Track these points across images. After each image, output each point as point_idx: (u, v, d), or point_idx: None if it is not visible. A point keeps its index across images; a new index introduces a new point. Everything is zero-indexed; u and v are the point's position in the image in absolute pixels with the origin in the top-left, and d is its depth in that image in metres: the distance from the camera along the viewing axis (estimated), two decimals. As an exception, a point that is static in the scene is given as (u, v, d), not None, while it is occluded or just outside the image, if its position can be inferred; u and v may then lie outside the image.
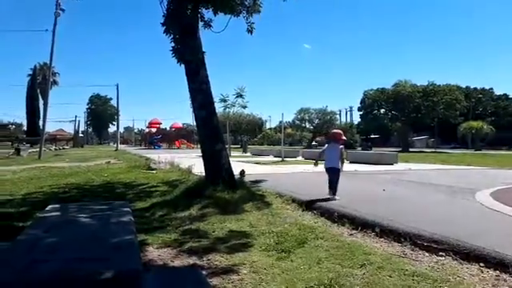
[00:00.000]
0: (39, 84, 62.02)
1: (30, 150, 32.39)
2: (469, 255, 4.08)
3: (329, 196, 7.35)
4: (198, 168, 10.55)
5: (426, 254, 4.30)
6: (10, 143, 50.38)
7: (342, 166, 7.64)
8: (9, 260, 2.70)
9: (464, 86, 56.82)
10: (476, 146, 49.61)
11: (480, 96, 61.18)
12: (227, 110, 25.26)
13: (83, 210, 4.30)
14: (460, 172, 15.12)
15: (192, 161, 14.42)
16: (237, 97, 23.16)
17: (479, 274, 3.70)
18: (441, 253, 4.27)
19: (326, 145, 8.10)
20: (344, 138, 7.95)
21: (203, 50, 8.74)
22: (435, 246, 4.44)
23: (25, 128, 68.31)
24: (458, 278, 3.54)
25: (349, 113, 74.10)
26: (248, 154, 33.52)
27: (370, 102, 51.11)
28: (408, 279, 3.46)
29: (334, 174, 7.52)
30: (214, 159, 8.47)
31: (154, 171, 13.90)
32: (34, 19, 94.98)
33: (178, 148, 52.64)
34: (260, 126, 72.06)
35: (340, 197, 7.26)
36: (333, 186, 7.44)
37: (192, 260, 4.08)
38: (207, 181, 8.23)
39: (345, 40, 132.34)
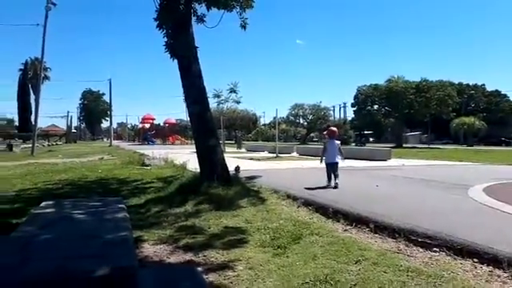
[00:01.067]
0: (30, 79, 61.43)
1: (22, 146, 32.15)
2: (462, 251, 4.12)
3: (332, 185, 8.40)
4: (193, 164, 10.53)
5: (420, 250, 4.34)
6: (2, 139, 49.95)
7: (342, 158, 8.88)
8: (3, 257, 2.67)
9: (456, 82, 57.24)
10: (468, 141, 50.06)
11: (472, 92, 61.61)
12: (221, 105, 25.28)
13: (78, 206, 4.28)
14: (452, 168, 15.25)
15: (186, 157, 14.38)
16: (230, 92, 23.16)
17: (473, 269, 3.74)
18: (435, 248, 4.30)
19: (328, 141, 8.99)
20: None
21: (196, 45, 8.70)
22: (429, 241, 4.48)
23: (16, 123, 67.65)
24: (451, 274, 3.57)
25: (342, 109, 74.27)
26: (242, 149, 33.52)
27: (364, 98, 51.27)
28: (402, 275, 3.48)
29: (336, 167, 8.62)
30: (208, 155, 8.44)
31: (149, 167, 13.85)
32: (25, 13, 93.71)
33: (172, 144, 52.48)
34: (254, 122, 72.09)
35: (334, 193, 7.31)
36: (336, 175, 8.51)
37: (188, 256, 4.08)
38: (202, 177, 8.21)
39: (338, 36, 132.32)
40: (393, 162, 17.71)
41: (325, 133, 10.26)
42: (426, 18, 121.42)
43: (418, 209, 6.25)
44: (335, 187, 8.27)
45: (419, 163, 17.39)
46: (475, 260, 3.91)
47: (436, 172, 12.99)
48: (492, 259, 3.85)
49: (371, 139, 54.86)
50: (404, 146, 45.60)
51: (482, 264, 3.83)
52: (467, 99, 59.51)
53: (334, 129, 9.58)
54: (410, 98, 46.53)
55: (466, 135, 52.31)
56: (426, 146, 47.69)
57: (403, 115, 48.61)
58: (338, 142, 8.90)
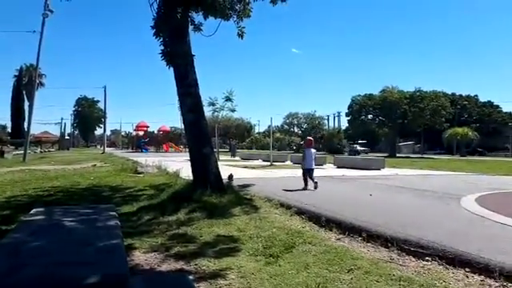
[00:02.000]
0: (25, 85, 61.11)
1: (14, 153, 31.87)
2: (454, 260, 4.13)
3: (312, 187, 9.70)
4: (186, 172, 10.49)
5: (413, 259, 4.35)
6: (-6, 145, 49.48)
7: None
8: (-9, 264, 2.63)
9: (450, 93, 57.82)
10: (461, 151, 50.42)
11: (465, 103, 62.25)
12: (216, 113, 25.32)
13: (68, 213, 4.23)
14: (445, 178, 15.34)
15: (180, 164, 14.34)
16: (226, 100, 23.23)
17: (464, 278, 3.75)
18: (427, 258, 4.31)
19: (305, 150, 10.70)
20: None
21: (193, 53, 8.74)
22: (421, 250, 4.49)
23: (9, 130, 67.13)
24: (443, 283, 3.57)
25: (337, 118, 74.60)
26: (237, 158, 33.51)
27: (358, 108, 51.60)
28: (395, 284, 3.48)
29: (312, 172, 10.20)
30: (202, 163, 8.43)
31: (141, 175, 13.78)
32: (20, 19, 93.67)
33: (166, 151, 52.30)
34: (249, 130, 72.15)
35: (328, 202, 7.31)
36: (312, 179, 9.98)
37: (179, 265, 4.04)
38: (195, 185, 8.18)
39: (333, 45, 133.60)
40: (386, 171, 17.78)
41: (302, 142, 11.96)
42: (420, 29, 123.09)
43: (411, 218, 6.27)
44: (315, 188, 9.65)
45: (412, 173, 17.47)
46: (467, 269, 3.92)
47: (429, 182, 13.06)
48: (484, 268, 3.86)
49: (359, 148, 54.92)
50: (397, 155, 45.83)
51: (474, 273, 3.84)
52: (460, 110, 60.12)
53: (311, 138, 11.83)
54: (404, 108, 46.97)
55: (459, 145, 52.71)
56: (419, 155, 47.97)
57: (397, 125, 48.98)
58: (314, 151, 10.82)
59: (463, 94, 63.52)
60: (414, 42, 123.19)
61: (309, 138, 12.00)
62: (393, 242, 4.81)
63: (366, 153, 49.42)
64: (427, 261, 4.24)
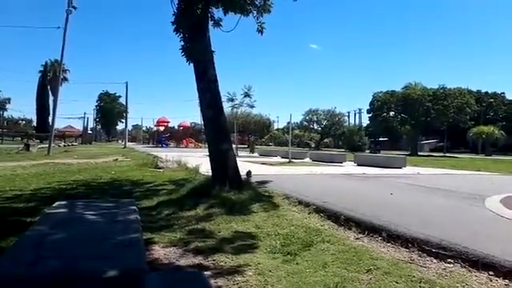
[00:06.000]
0: (50, 80, 62.61)
1: (39, 146, 32.71)
2: (478, 263, 4.01)
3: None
4: (205, 167, 10.56)
5: (434, 261, 4.24)
6: (20, 138, 51.07)
7: None
8: (16, 254, 2.71)
9: (475, 90, 56.27)
10: (486, 151, 49.07)
11: (491, 100, 60.42)
12: (235, 109, 25.40)
13: (90, 206, 4.33)
14: (469, 177, 14.95)
15: (199, 160, 14.43)
16: (244, 96, 23.27)
17: (488, 282, 3.63)
18: (449, 260, 4.20)
19: None
20: None
21: (212, 49, 8.75)
22: (443, 252, 4.37)
23: (35, 124, 69.01)
24: (466, 286, 3.48)
25: (357, 115, 73.77)
26: (255, 154, 33.52)
27: (380, 105, 50.77)
28: (415, 286, 3.41)
29: None
30: (220, 159, 8.45)
31: (161, 170, 13.94)
32: (46, 15, 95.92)
33: (186, 147, 52.80)
34: (268, 127, 72.10)
35: (347, 200, 7.22)
36: None
37: (197, 260, 4.07)
38: (214, 181, 8.22)
39: (354, 41, 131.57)
40: (408, 170, 17.45)
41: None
42: (445, 24, 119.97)
43: (433, 219, 6.12)
44: None
45: (435, 172, 17.10)
46: (491, 273, 3.80)
47: (452, 181, 12.75)
48: (508, 272, 3.73)
49: (378, 146, 54.23)
50: (419, 153, 44.97)
51: (498, 277, 3.72)
52: (486, 107, 58.43)
53: None
54: (427, 105, 45.94)
55: (485, 144, 51.28)
56: (442, 154, 46.93)
57: (419, 123, 47.98)
58: None
59: (489, 92, 61.72)
60: (439, 38, 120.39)
61: None
62: (413, 243, 4.70)
63: (378, 150, 48.52)
64: (449, 263, 4.13)
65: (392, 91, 50.40)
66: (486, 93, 61.26)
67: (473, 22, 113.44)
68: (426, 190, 9.92)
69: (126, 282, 2.23)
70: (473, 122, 49.47)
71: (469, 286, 3.51)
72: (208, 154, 8.98)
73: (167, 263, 3.99)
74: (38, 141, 45.43)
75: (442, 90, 47.20)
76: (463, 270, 3.94)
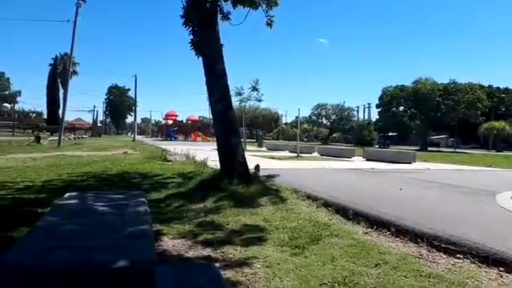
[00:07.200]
0: (59, 74, 63.07)
1: (49, 139, 33.13)
2: (488, 259, 3.98)
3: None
4: (213, 161, 10.59)
5: (443, 256, 4.21)
6: (31, 131, 51.66)
7: None
8: (27, 244, 2.75)
9: (487, 85, 55.44)
10: (497, 146, 48.43)
11: (503, 96, 59.51)
12: (243, 103, 25.36)
13: (100, 198, 4.36)
14: (480, 173, 14.80)
15: (207, 153, 14.48)
16: (252, 90, 23.22)
17: (498, 278, 3.61)
18: (458, 255, 4.17)
19: None
20: None
21: (221, 43, 8.72)
22: (453, 247, 4.34)
23: (45, 116, 69.70)
24: (475, 282, 3.46)
25: (367, 109, 73.07)
26: (263, 148, 33.52)
27: (389, 99, 50.30)
28: (424, 280, 3.39)
29: None
30: (229, 153, 8.47)
31: (170, 163, 14.01)
32: (56, 8, 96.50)
33: (194, 140, 52.99)
34: (276, 121, 72.03)
35: (356, 195, 7.20)
36: None
37: (206, 252, 4.10)
38: (222, 174, 8.24)
39: (362, 35, 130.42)
40: (417, 165, 17.33)
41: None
42: (455, 18, 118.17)
43: (442, 214, 6.08)
44: None
45: (445, 167, 16.96)
46: (501, 269, 3.77)
47: (462, 177, 12.64)
48: (519, 268, 3.70)
49: (387, 141, 53.89)
50: (429, 149, 44.54)
51: (509, 273, 3.69)
52: (497, 103, 57.58)
53: None
54: (437, 100, 45.43)
55: (496, 140, 50.61)
56: (452, 149, 46.46)
57: (429, 118, 47.47)
58: None
59: (501, 87, 60.79)
60: (449, 32, 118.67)
61: None
62: (422, 238, 4.68)
63: (387, 145, 48.20)
64: (458, 258, 4.10)
65: (402, 86, 49.90)
66: (498, 88, 60.29)
67: (485, 16, 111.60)
68: (435, 186, 9.84)
69: (136, 272, 2.25)
70: (484, 118, 48.81)
71: (478, 281, 3.48)
72: (216, 147, 9.01)
73: (176, 255, 4.02)
74: (48, 133, 45.99)
75: (452, 85, 46.62)
76: (473, 265, 3.92)
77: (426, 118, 47.73)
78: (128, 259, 2.35)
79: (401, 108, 50.88)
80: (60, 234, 2.94)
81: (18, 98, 75.70)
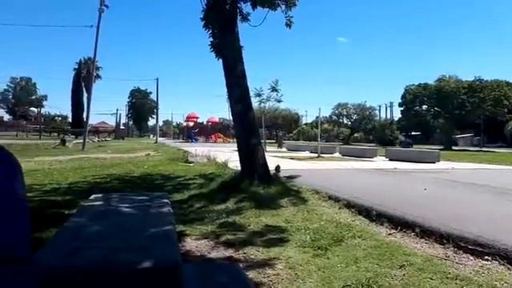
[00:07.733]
0: (83, 78, 64.65)
1: (74, 141, 33.94)
2: (517, 261, 3.85)
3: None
4: (234, 162, 10.64)
5: (471, 258, 4.10)
6: (57, 134, 53.15)
7: None
8: (56, 245, 2.83)
9: (514, 82, 53.69)
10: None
11: (531, 92, 57.52)
12: (262, 104, 25.35)
13: (124, 200, 4.43)
14: (507, 173, 14.36)
15: (227, 155, 14.55)
16: (271, 91, 23.16)
17: (528, 280, 3.49)
18: (486, 257, 4.06)
19: None
20: None
21: (241, 44, 8.77)
22: (480, 249, 4.23)
23: (70, 120, 71.54)
24: (505, 284, 3.35)
25: (389, 108, 71.93)
26: (283, 149, 33.45)
27: (412, 98, 49.32)
28: (451, 283, 3.32)
29: None
30: (249, 154, 8.49)
31: (191, 164, 14.16)
32: (81, 14, 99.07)
33: (214, 142, 53.33)
34: (296, 121, 71.71)
35: (379, 195, 7.10)
36: None
37: (228, 252, 4.12)
38: (243, 175, 8.27)
39: (383, 33, 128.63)
40: (442, 164, 16.94)
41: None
42: (480, 14, 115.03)
43: (469, 214, 5.93)
44: None
45: (470, 167, 16.52)
46: (532, 271, 3.65)
47: (488, 177, 12.28)
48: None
49: (402, 139, 52.80)
50: (454, 148, 43.47)
51: (540, 276, 3.56)
52: (525, 100, 55.67)
53: None
54: (462, 98, 44.24)
55: (524, 138, 48.98)
56: (478, 148, 45.17)
57: (454, 116, 46.29)
58: None
59: (529, 83, 58.73)
60: (473, 28, 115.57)
61: None
62: (448, 239, 4.57)
63: (410, 144, 47.20)
64: (487, 260, 3.99)
65: (425, 84, 48.86)
66: (526, 84, 58.33)
67: (509, 12, 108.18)
68: (460, 186, 9.60)
69: (162, 272, 2.28)
70: (511, 115, 47.30)
71: (508, 284, 3.38)
72: (237, 148, 9.05)
73: (199, 255, 4.06)
74: (73, 136, 47.14)
75: (477, 82, 45.32)
76: (502, 267, 3.80)
77: (451, 117, 46.56)
78: (153, 259, 2.39)
79: (424, 107, 49.82)
80: (86, 235, 3.01)
81: (44, 103, 78.13)
